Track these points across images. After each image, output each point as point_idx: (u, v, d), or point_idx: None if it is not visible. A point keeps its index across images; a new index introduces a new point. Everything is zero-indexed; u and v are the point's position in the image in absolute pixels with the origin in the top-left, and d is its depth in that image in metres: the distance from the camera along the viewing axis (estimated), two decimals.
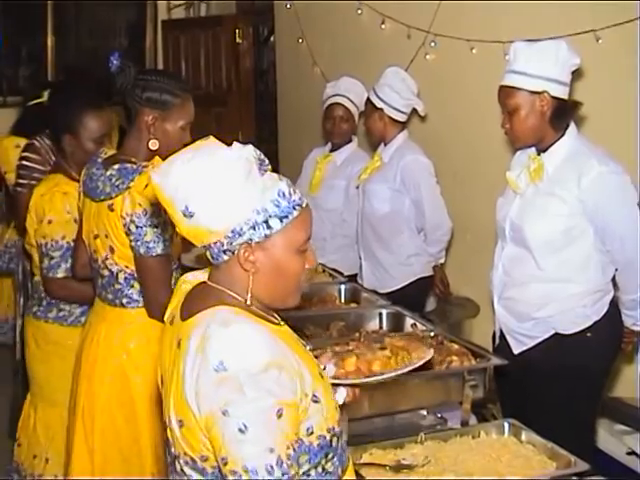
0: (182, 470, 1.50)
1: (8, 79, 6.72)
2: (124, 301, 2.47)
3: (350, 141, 4.14)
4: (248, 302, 1.50)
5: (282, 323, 1.58)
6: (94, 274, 2.55)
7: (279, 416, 1.35)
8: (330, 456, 1.50)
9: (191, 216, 1.44)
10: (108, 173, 2.41)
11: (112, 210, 2.36)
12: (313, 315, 2.97)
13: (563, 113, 2.61)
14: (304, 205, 1.52)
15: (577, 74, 2.67)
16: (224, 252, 1.48)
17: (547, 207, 2.61)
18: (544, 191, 2.63)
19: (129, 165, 2.39)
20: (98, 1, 6.93)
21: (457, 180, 4.13)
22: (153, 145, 2.41)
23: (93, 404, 2.47)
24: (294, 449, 1.37)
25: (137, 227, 2.32)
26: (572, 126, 2.65)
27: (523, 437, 2.16)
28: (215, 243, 1.48)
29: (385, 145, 3.78)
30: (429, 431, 2.26)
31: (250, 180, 1.45)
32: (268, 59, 6.96)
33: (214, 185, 1.43)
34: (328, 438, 1.48)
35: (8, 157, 4.10)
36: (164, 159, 2.30)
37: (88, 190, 2.49)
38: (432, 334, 2.54)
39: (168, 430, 1.52)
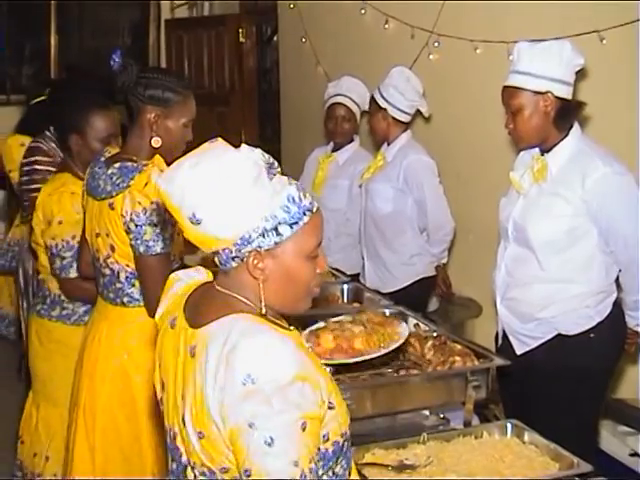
0: (196, 479, 1.48)
1: (12, 78, 6.75)
2: (125, 300, 2.47)
3: (352, 141, 4.14)
4: (263, 311, 1.47)
5: (292, 328, 1.54)
6: (96, 273, 2.55)
7: (303, 429, 1.33)
8: (340, 459, 1.48)
9: (198, 223, 1.41)
10: (109, 172, 2.41)
11: (113, 209, 2.36)
12: (315, 315, 2.97)
13: (567, 113, 2.60)
14: (314, 210, 1.47)
15: (581, 74, 2.67)
16: (232, 259, 1.45)
17: (551, 207, 2.61)
18: (548, 191, 2.62)
19: (130, 164, 2.39)
20: (101, 1, 6.95)
21: (460, 180, 4.12)
22: (155, 143, 2.41)
23: (94, 403, 2.47)
24: (315, 462, 1.36)
25: (137, 226, 2.32)
26: (576, 126, 2.64)
27: (526, 438, 2.15)
28: (223, 250, 1.45)
29: (388, 145, 3.78)
30: (432, 431, 2.25)
31: (259, 185, 1.41)
32: (271, 59, 6.97)
33: (222, 192, 1.39)
34: (341, 443, 1.46)
35: (12, 156, 4.11)
36: (166, 156, 2.34)
37: (90, 189, 2.50)
38: (435, 334, 2.53)
39: (179, 438, 1.49)
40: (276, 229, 1.42)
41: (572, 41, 2.68)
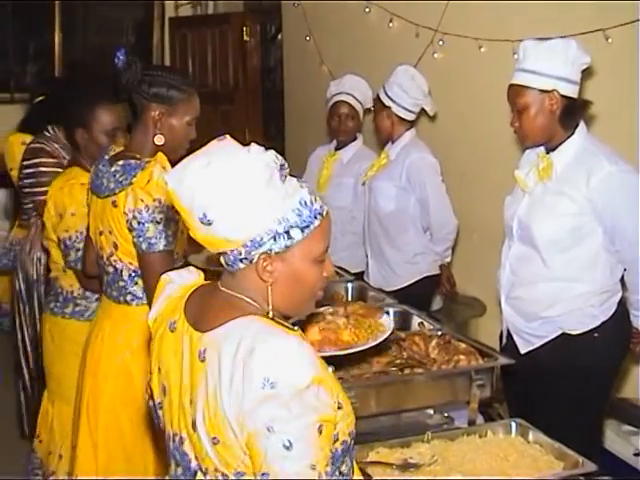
0: None
1: (16, 76, 6.75)
2: (128, 298, 2.47)
3: (355, 139, 4.13)
4: (270, 315, 1.45)
5: (296, 328, 1.52)
6: (100, 271, 2.55)
7: (320, 432, 1.33)
8: (345, 457, 1.47)
9: (209, 224, 1.39)
10: (112, 169, 2.41)
11: (115, 206, 2.36)
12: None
13: (573, 112, 2.60)
14: (325, 214, 1.46)
15: (586, 73, 2.66)
16: (241, 260, 1.43)
17: (555, 206, 2.60)
18: (553, 190, 2.62)
19: (133, 161, 2.39)
20: None
21: (465, 179, 4.12)
22: (159, 140, 2.41)
23: (97, 401, 2.47)
24: (329, 464, 1.36)
25: (139, 223, 2.31)
26: (582, 125, 2.64)
27: (530, 437, 2.15)
28: (232, 251, 1.43)
29: (392, 143, 3.77)
30: (436, 430, 2.24)
31: (271, 187, 1.39)
32: (275, 57, 6.96)
33: (234, 193, 1.37)
34: (349, 442, 1.46)
35: (14, 154, 4.09)
36: (169, 154, 2.33)
37: (94, 187, 2.50)
38: (439, 333, 2.53)
39: (187, 443, 1.48)
40: (288, 232, 1.41)
41: (577, 40, 2.67)
